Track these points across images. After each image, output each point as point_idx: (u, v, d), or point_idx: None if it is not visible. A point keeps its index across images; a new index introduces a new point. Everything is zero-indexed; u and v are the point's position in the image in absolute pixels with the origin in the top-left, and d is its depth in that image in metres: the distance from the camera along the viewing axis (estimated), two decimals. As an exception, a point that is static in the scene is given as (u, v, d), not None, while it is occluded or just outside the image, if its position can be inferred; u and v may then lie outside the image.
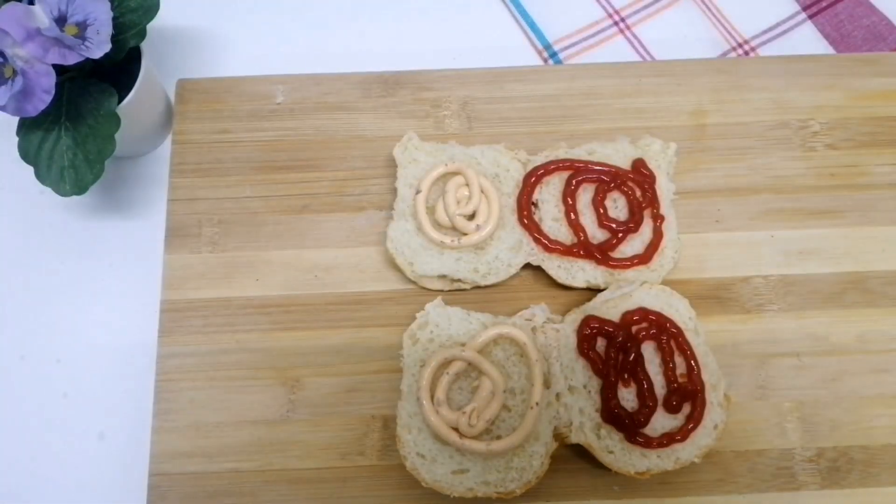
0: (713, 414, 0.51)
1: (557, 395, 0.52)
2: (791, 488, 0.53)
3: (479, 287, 0.56)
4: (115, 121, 0.53)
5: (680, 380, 0.52)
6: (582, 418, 0.51)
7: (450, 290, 0.56)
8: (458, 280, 0.56)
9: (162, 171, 0.61)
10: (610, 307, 0.54)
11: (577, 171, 0.57)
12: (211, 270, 0.58)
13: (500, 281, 0.56)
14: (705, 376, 0.52)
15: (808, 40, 0.68)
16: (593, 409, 0.51)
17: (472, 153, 0.58)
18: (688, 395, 0.51)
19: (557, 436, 0.51)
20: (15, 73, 0.49)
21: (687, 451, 0.51)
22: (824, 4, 0.69)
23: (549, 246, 0.55)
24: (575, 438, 0.51)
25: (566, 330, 0.53)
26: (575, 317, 0.54)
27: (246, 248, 0.58)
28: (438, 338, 0.53)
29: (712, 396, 0.52)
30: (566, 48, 0.68)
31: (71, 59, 0.50)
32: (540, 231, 0.56)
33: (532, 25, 0.68)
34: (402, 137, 0.58)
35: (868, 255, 0.58)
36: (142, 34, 0.54)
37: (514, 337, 0.52)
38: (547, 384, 0.52)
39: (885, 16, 0.69)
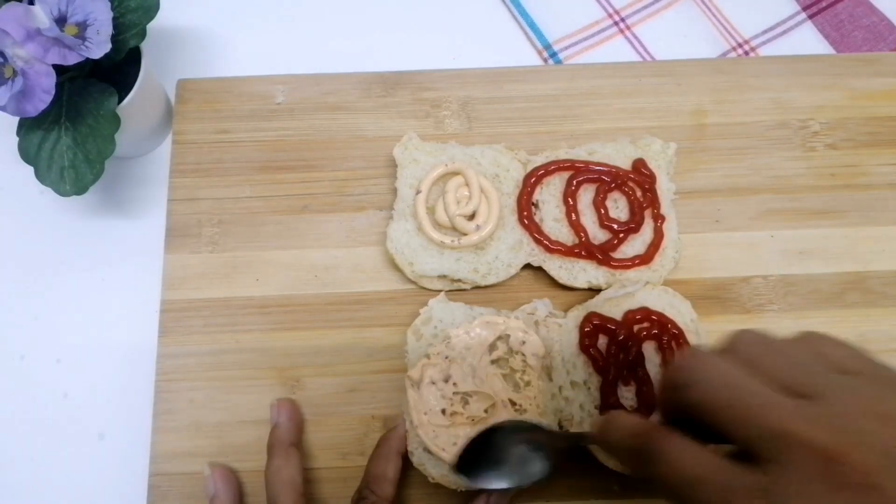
0: (713, 414, 0.51)
1: (560, 388, 0.52)
2: (791, 488, 0.53)
3: (479, 287, 0.56)
4: (115, 121, 0.53)
5: (680, 380, 0.52)
6: (582, 414, 0.51)
7: (450, 290, 0.56)
8: (458, 280, 0.56)
9: (162, 171, 0.61)
10: (612, 305, 0.54)
11: (578, 172, 0.57)
12: (211, 270, 0.58)
13: (499, 281, 0.56)
14: (705, 376, 0.52)
15: (808, 40, 0.68)
16: (593, 406, 0.51)
17: (472, 153, 0.58)
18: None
19: (560, 428, 0.51)
20: (15, 73, 0.49)
21: (686, 452, 0.51)
22: (824, 4, 0.69)
23: (551, 247, 0.55)
24: (575, 434, 0.51)
25: (568, 325, 0.53)
26: (577, 313, 0.54)
27: (246, 248, 0.58)
28: (442, 333, 0.53)
29: (712, 397, 0.52)
30: (566, 48, 0.67)
31: (71, 59, 0.50)
32: (541, 232, 0.56)
33: (532, 25, 0.68)
34: (403, 137, 0.58)
35: (868, 255, 0.58)
36: (142, 34, 0.54)
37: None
38: (549, 376, 0.52)
39: (885, 16, 0.69)
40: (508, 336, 0.52)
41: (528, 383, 0.51)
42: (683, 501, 0.32)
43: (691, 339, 0.53)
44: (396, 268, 0.56)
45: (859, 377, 0.32)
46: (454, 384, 0.51)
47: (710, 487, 0.31)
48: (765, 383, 0.32)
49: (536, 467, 0.45)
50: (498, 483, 0.45)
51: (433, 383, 0.51)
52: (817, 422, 0.30)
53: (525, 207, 0.56)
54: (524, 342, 0.52)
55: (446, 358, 0.51)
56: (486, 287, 0.56)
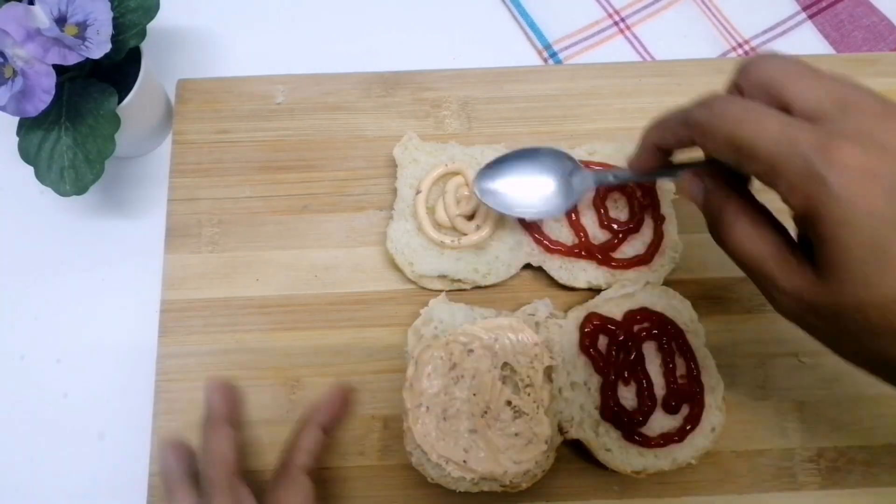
0: (711, 416, 0.51)
1: (560, 389, 0.52)
2: (791, 488, 0.53)
3: (479, 287, 0.56)
4: (115, 121, 0.53)
5: (679, 381, 0.52)
6: (582, 414, 0.51)
7: (450, 290, 0.56)
8: (458, 280, 0.56)
9: (162, 171, 0.61)
10: (612, 306, 0.54)
11: (578, 171, 0.57)
12: (211, 270, 0.58)
13: (499, 281, 0.56)
14: (704, 378, 0.52)
15: (808, 40, 0.68)
16: (593, 407, 0.51)
17: (472, 153, 0.58)
18: (687, 396, 0.51)
19: (559, 429, 0.51)
20: (15, 73, 0.49)
21: (684, 453, 0.51)
22: (824, 4, 0.69)
23: (551, 247, 0.55)
24: (574, 434, 0.51)
25: (569, 326, 0.53)
26: (577, 314, 0.54)
27: (246, 248, 0.58)
28: (443, 333, 0.53)
29: (710, 399, 0.52)
30: (566, 48, 0.67)
31: (71, 59, 0.50)
32: (541, 232, 0.56)
33: (532, 25, 0.68)
34: (403, 137, 0.58)
35: (868, 255, 0.58)
36: (142, 34, 0.54)
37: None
38: (549, 377, 0.52)
39: (885, 16, 0.69)
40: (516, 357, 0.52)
41: (528, 384, 0.51)
42: (745, 153, 0.36)
43: (691, 339, 0.53)
44: (396, 268, 0.56)
45: None
46: (458, 373, 0.51)
47: (776, 119, 0.35)
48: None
49: (554, 203, 0.49)
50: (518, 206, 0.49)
51: (435, 369, 0.50)
52: (869, 94, 0.35)
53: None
54: (518, 339, 0.52)
55: (448, 348, 0.51)
56: (486, 287, 0.56)
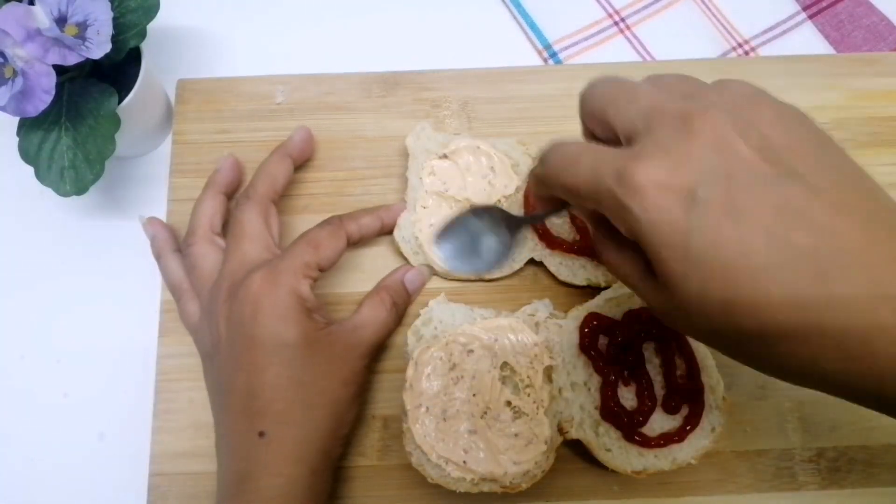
0: (711, 416, 0.51)
1: (560, 390, 0.52)
2: (791, 488, 0.53)
3: (482, 280, 0.56)
4: (115, 121, 0.53)
5: (679, 381, 0.52)
6: (582, 415, 0.51)
7: (452, 279, 0.57)
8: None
9: (162, 171, 0.61)
10: (613, 306, 0.54)
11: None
12: (211, 270, 0.57)
13: (503, 275, 0.56)
14: (704, 378, 0.52)
15: (808, 40, 0.68)
16: (593, 407, 0.51)
17: (483, 144, 0.58)
18: (687, 396, 0.51)
19: (559, 430, 0.51)
20: (15, 73, 0.49)
21: (684, 453, 0.51)
22: (824, 4, 0.69)
23: (552, 243, 0.55)
24: (574, 434, 0.51)
25: (569, 326, 0.53)
26: (578, 314, 0.54)
27: (246, 248, 0.58)
28: (443, 334, 0.53)
29: (710, 399, 0.52)
30: (566, 48, 0.68)
31: (71, 60, 0.50)
32: (545, 228, 0.56)
33: (532, 25, 0.68)
34: (416, 127, 0.58)
35: (868, 255, 0.58)
36: (142, 34, 0.54)
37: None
38: (549, 378, 0.52)
39: (885, 16, 0.69)
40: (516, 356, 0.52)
41: (528, 385, 0.51)
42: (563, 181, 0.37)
43: (691, 339, 0.53)
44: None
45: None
46: (458, 373, 0.51)
47: (587, 155, 0.36)
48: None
49: (496, 253, 0.49)
50: (467, 265, 0.49)
51: (435, 369, 0.51)
52: (680, 100, 0.34)
53: (532, 203, 0.56)
54: (517, 340, 0.52)
55: (448, 348, 0.51)
56: (488, 281, 0.56)
